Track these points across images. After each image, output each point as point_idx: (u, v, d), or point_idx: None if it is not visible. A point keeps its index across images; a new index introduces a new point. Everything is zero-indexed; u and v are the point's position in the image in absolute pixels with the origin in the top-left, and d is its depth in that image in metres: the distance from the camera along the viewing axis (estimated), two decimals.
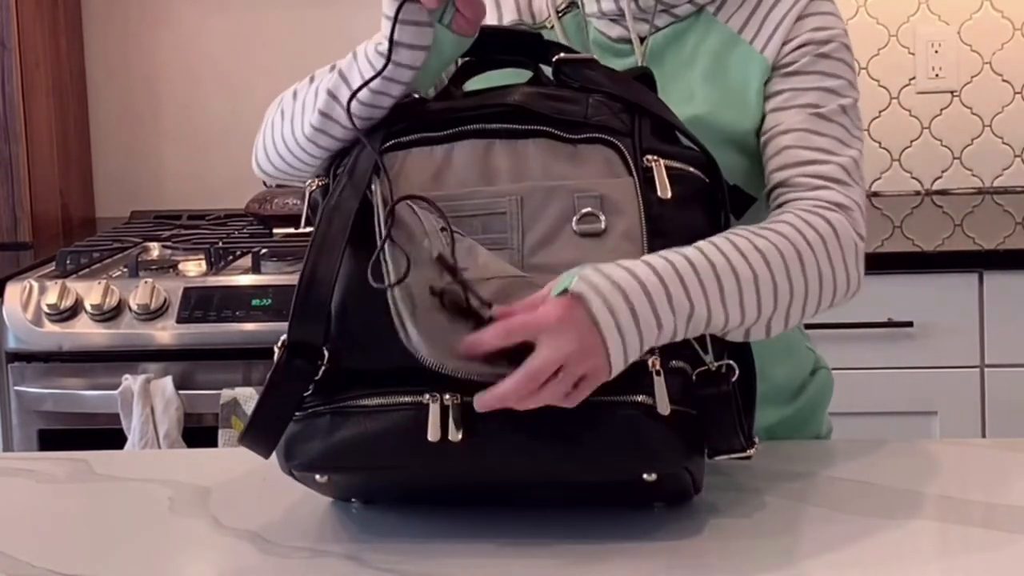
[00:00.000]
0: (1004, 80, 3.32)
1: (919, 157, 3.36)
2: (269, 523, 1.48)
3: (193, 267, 2.88)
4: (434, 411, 1.35)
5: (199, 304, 2.73)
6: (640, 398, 1.35)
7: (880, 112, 3.34)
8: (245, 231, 3.14)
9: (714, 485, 1.49)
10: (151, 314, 2.72)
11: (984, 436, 2.73)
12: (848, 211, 1.52)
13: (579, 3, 1.67)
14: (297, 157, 1.56)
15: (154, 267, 2.89)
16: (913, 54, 3.33)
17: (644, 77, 1.53)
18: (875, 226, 3.00)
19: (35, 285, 2.77)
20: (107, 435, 2.66)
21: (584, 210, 1.40)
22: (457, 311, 1.33)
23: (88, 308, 2.73)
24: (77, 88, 3.49)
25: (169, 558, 1.46)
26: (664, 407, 1.35)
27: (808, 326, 1.80)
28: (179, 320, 2.72)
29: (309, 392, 1.40)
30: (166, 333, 2.72)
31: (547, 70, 1.52)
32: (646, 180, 1.42)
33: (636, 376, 1.35)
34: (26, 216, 3.27)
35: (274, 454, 1.42)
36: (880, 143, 3.35)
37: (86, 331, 2.73)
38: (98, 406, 2.73)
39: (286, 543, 1.44)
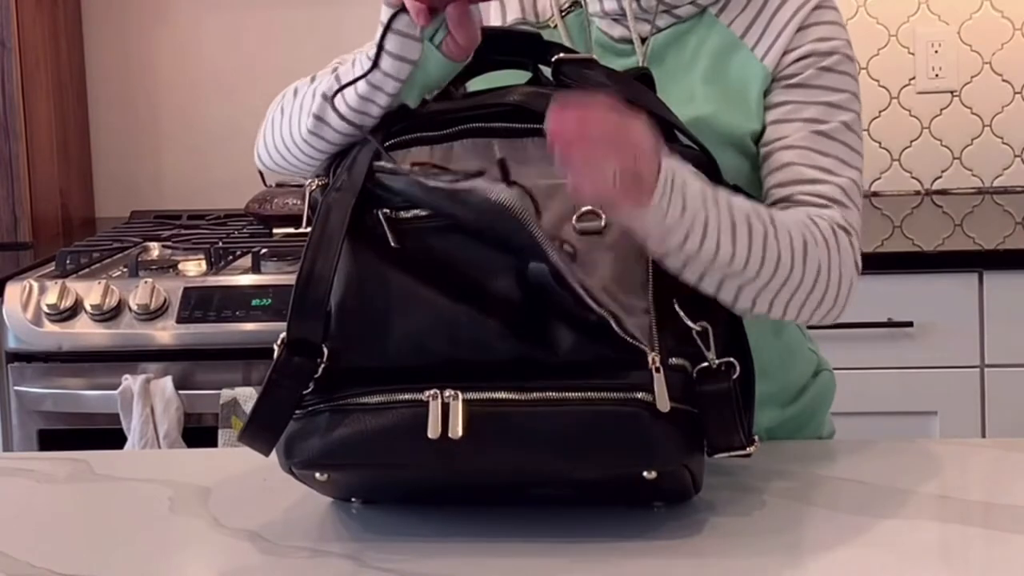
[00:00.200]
0: (1004, 80, 3.32)
1: (919, 157, 3.36)
2: (269, 523, 1.48)
3: (193, 267, 2.88)
4: (434, 408, 1.35)
5: (199, 304, 2.73)
6: (640, 395, 1.35)
7: (880, 112, 3.34)
8: (245, 231, 3.14)
9: (714, 485, 1.49)
10: (151, 314, 2.72)
11: (984, 436, 2.73)
12: (848, 235, 1.54)
13: (582, 2, 1.67)
14: (294, 155, 1.57)
15: (154, 267, 2.89)
16: (913, 54, 3.33)
17: (643, 77, 1.53)
18: (875, 226, 3.01)
19: (35, 285, 2.77)
20: (107, 435, 2.66)
21: (584, 208, 1.40)
22: None
23: (88, 308, 2.73)
24: (77, 88, 3.49)
25: (169, 558, 1.46)
26: (664, 404, 1.35)
27: (809, 326, 1.80)
28: (179, 320, 2.72)
29: (309, 390, 1.40)
30: (166, 333, 2.72)
31: (547, 71, 1.52)
32: None
33: (636, 373, 1.35)
34: (26, 216, 3.27)
35: (274, 453, 1.42)
36: (880, 143, 3.35)
37: (86, 331, 2.73)
38: (98, 406, 2.73)
39: (286, 543, 1.44)
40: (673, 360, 1.37)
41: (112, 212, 3.53)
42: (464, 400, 1.35)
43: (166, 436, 2.66)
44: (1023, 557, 1.37)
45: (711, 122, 1.59)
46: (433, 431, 1.35)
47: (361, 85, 1.47)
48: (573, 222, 1.40)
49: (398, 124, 1.48)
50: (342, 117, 1.49)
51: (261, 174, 2.84)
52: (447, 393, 1.36)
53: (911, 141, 3.36)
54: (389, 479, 1.46)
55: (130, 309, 2.73)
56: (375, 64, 1.46)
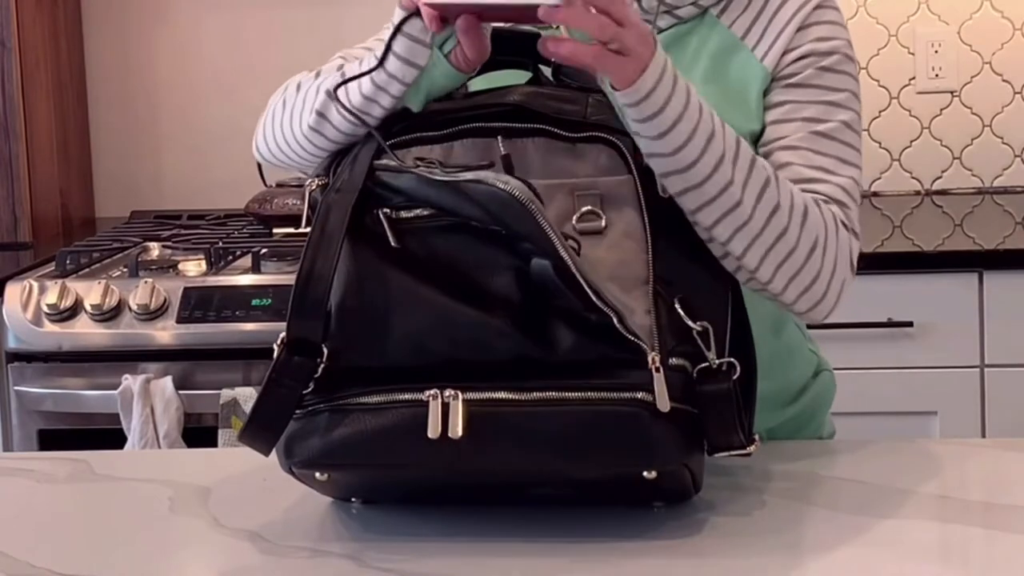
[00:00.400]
0: (1004, 80, 3.32)
1: (919, 157, 3.36)
2: (269, 523, 1.48)
3: (193, 267, 2.88)
4: (434, 408, 1.35)
5: (199, 304, 2.73)
6: (640, 395, 1.35)
7: (880, 112, 3.34)
8: (245, 231, 3.14)
9: (714, 484, 1.49)
10: (151, 314, 2.72)
11: (984, 436, 2.73)
12: (849, 232, 1.55)
13: None
14: (293, 149, 1.57)
15: (154, 267, 2.89)
16: (913, 54, 3.33)
17: None
18: (875, 226, 3.01)
19: (35, 285, 2.77)
20: (107, 435, 2.66)
21: (584, 208, 1.40)
22: None
23: (88, 308, 2.73)
24: (77, 88, 3.49)
25: (169, 558, 1.46)
26: (664, 404, 1.35)
27: (808, 326, 1.80)
28: (179, 320, 2.72)
29: (309, 390, 1.40)
30: (166, 333, 2.72)
31: (548, 71, 1.52)
32: (646, 178, 1.42)
33: (636, 373, 1.35)
34: (26, 216, 3.27)
35: (274, 453, 1.42)
36: (880, 143, 3.35)
37: (86, 331, 2.73)
38: (98, 406, 2.73)
39: (286, 543, 1.44)
40: (673, 360, 1.37)
41: (112, 212, 3.53)
42: (464, 400, 1.35)
43: (166, 436, 2.66)
44: (1023, 557, 1.37)
45: None
46: (433, 431, 1.35)
47: (366, 85, 1.47)
48: (573, 222, 1.40)
49: (398, 124, 1.48)
50: (344, 116, 1.49)
51: (261, 174, 2.83)
52: (447, 393, 1.36)
53: (911, 141, 3.36)
54: (389, 479, 1.46)
55: (130, 309, 2.73)
56: (381, 63, 1.46)
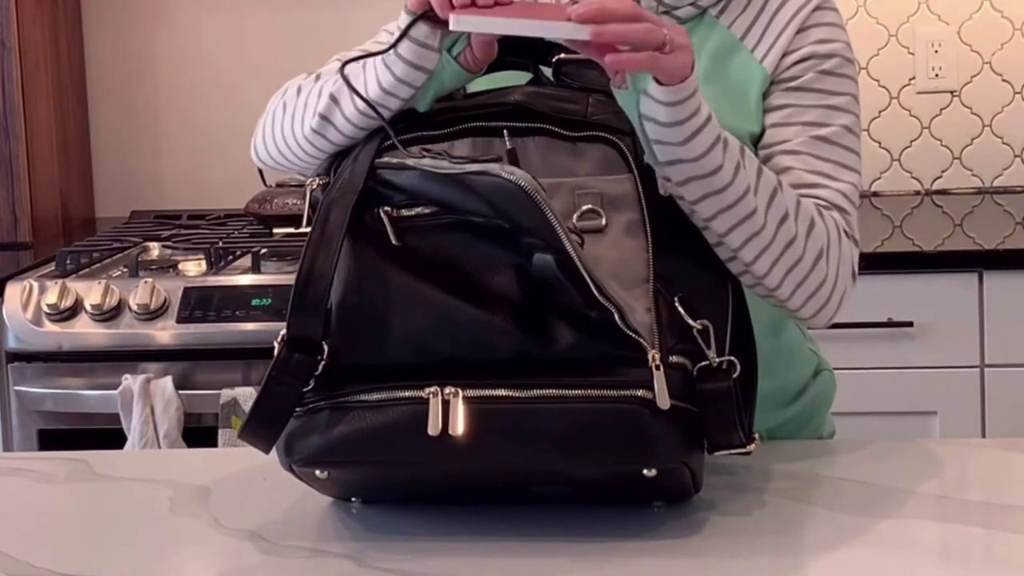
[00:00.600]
0: (1004, 80, 3.32)
1: (919, 157, 3.36)
2: (269, 523, 1.48)
3: (193, 267, 2.88)
4: (435, 405, 1.35)
5: (199, 304, 2.73)
6: (640, 392, 1.35)
7: (880, 112, 3.34)
8: (245, 231, 3.13)
9: (714, 484, 1.49)
10: (151, 314, 2.72)
11: (984, 436, 2.73)
12: (851, 241, 1.56)
13: None
14: (294, 152, 1.57)
15: (154, 267, 2.89)
16: (913, 54, 3.33)
17: None
18: (875, 226, 3.01)
19: (35, 285, 2.77)
20: (107, 435, 2.66)
21: (584, 207, 1.41)
22: None
23: (88, 308, 2.73)
24: (77, 88, 3.49)
25: (169, 558, 1.46)
26: (664, 402, 1.35)
27: (803, 327, 1.80)
28: (179, 320, 2.72)
29: (309, 388, 1.40)
30: (166, 333, 2.72)
31: (548, 72, 1.52)
32: (646, 178, 1.42)
33: (636, 371, 1.35)
34: (26, 216, 3.27)
35: (275, 451, 1.42)
36: (880, 143, 3.35)
37: (86, 331, 2.73)
38: (98, 406, 2.73)
39: (286, 543, 1.44)
40: (673, 358, 1.37)
41: (112, 212, 3.53)
42: (464, 397, 1.35)
43: (166, 436, 2.66)
44: (1023, 557, 1.37)
45: None
46: (433, 428, 1.35)
47: (373, 89, 1.47)
48: (574, 220, 1.40)
49: (399, 123, 1.48)
50: (349, 119, 1.48)
51: (261, 174, 2.85)
52: (447, 390, 1.36)
53: (911, 141, 3.35)
54: (389, 477, 1.46)
55: (130, 309, 2.73)
56: (393, 47, 1.45)
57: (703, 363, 1.39)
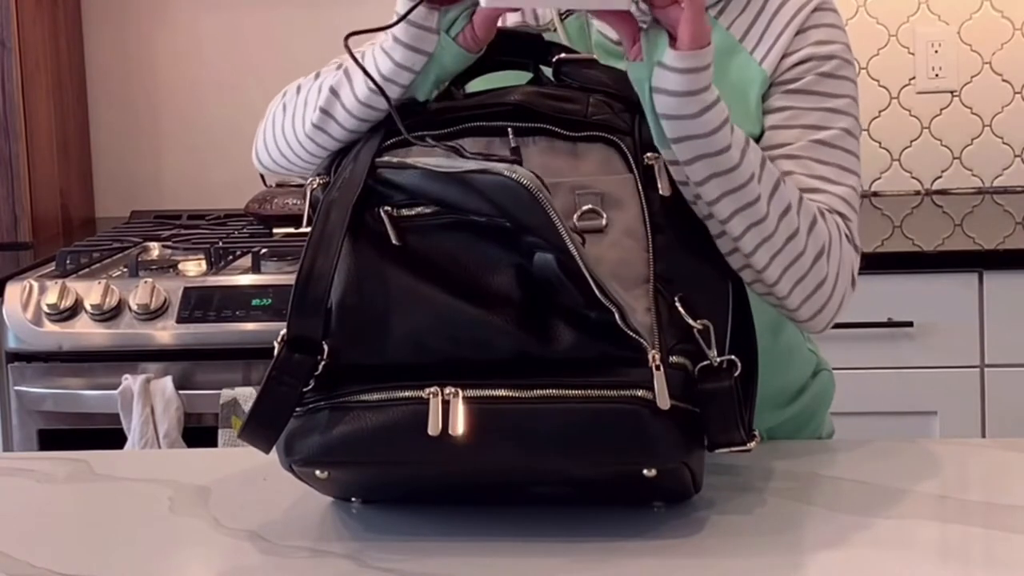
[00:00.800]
0: (1004, 80, 3.32)
1: (919, 157, 3.36)
2: (269, 523, 1.48)
3: (193, 267, 2.88)
4: (435, 405, 1.35)
5: (199, 304, 2.73)
6: (640, 392, 1.35)
7: (880, 112, 3.34)
8: (245, 231, 3.14)
9: (714, 484, 1.49)
10: (151, 314, 2.72)
11: (984, 436, 2.73)
12: (852, 245, 1.56)
13: None
14: (295, 152, 1.57)
15: (154, 267, 2.89)
16: (913, 54, 3.33)
17: None
18: (875, 226, 3.01)
19: (35, 285, 2.77)
20: (107, 435, 2.66)
21: (585, 207, 1.41)
22: None
23: (88, 308, 2.73)
24: (77, 88, 3.49)
25: (169, 558, 1.46)
26: (664, 402, 1.35)
27: (801, 329, 1.80)
28: (179, 320, 2.72)
29: (309, 388, 1.40)
30: (166, 333, 2.72)
31: (548, 72, 1.52)
32: (646, 178, 1.43)
33: (636, 371, 1.35)
34: (26, 216, 3.27)
35: (275, 451, 1.42)
36: (880, 143, 3.35)
37: (86, 331, 2.74)
38: (98, 406, 2.73)
39: (286, 543, 1.44)
40: (674, 358, 1.37)
41: (112, 212, 3.53)
42: (464, 397, 1.35)
43: (166, 436, 2.66)
44: (1023, 557, 1.37)
45: None
46: (433, 428, 1.35)
47: (374, 77, 1.46)
48: (574, 220, 1.40)
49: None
50: (350, 111, 1.48)
51: (261, 175, 2.85)
52: (447, 390, 1.36)
53: (911, 141, 3.36)
54: (389, 477, 1.46)
55: (130, 309, 2.73)
56: (395, 23, 1.45)
57: (704, 363, 1.39)
